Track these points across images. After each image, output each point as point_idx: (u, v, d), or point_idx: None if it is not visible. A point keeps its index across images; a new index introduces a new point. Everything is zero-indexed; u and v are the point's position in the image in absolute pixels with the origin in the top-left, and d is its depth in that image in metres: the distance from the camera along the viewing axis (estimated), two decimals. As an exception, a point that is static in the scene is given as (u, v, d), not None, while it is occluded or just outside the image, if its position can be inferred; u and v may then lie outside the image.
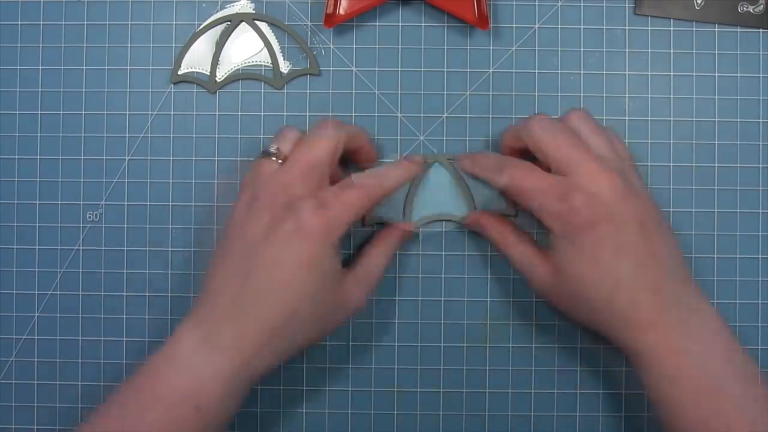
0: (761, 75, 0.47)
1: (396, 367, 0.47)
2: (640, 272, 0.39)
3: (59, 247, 0.47)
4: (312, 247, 0.39)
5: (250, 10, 0.47)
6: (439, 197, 0.46)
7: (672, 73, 0.47)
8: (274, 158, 0.42)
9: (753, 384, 0.39)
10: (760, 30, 0.47)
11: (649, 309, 0.39)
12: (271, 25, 0.47)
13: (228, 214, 0.42)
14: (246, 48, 0.47)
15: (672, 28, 0.47)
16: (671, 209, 0.47)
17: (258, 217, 0.40)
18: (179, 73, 0.47)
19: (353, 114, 0.47)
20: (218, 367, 0.38)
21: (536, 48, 0.47)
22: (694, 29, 0.47)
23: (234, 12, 0.47)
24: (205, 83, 0.47)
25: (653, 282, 0.39)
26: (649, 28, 0.47)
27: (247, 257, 0.39)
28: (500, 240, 0.44)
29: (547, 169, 0.41)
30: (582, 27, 0.47)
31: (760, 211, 0.47)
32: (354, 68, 0.47)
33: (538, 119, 0.42)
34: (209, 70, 0.47)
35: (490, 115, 0.47)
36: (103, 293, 0.47)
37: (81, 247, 0.47)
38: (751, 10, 0.47)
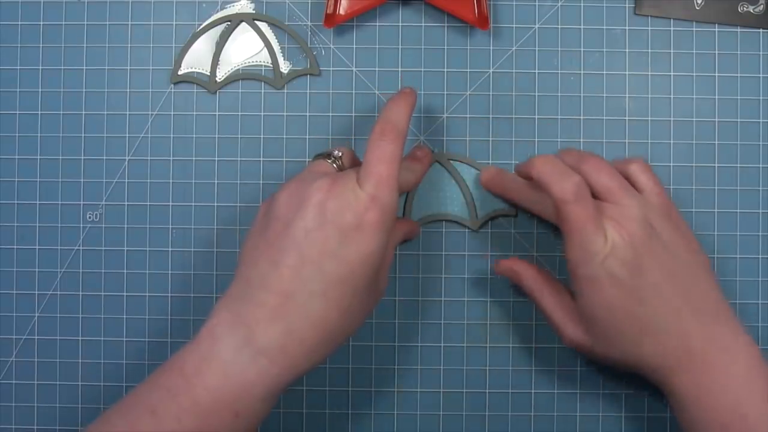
0: (761, 75, 0.47)
1: (396, 367, 0.47)
2: (664, 320, 0.39)
3: (59, 247, 0.47)
4: (371, 242, 0.37)
5: (250, 10, 0.47)
6: (439, 197, 0.47)
7: (672, 73, 0.47)
8: (330, 161, 0.40)
9: None
10: (760, 30, 0.47)
11: (677, 353, 0.39)
12: (271, 25, 0.47)
13: (268, 202, 0.40)
14: (246, 48, 0.47)
15: (672, 28, 0.47)
16: (671, 209, 0.47)
17: (309, 208, 0.37)
18: (179, 73, 0.47)
19: (353, 114, 0.47)
20: (262, 372, 0.36)
21: (536, 48, 0.47)
22: (694, 29, 0.47)
23: (234, 12, 0.47)
24: (205, 83, 0.47)
25: (679, 327, 0.39)
26: (649, 28, 0.47)
27: (298, 250, 0.37)
28: (535, 290, 0.43)
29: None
30: (582, 27, 0.47)
31: (760, 211, 0.47)
32: (354, 68, 0.47)
33: (546, 160, 0.40)
34: (209, 70, 0.47)
35: (490, 115, 0.47)
36: (103, 293, 0.47)
37: (81, 247, 0.47)
38: (751, 10, 0.47)
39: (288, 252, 0.37)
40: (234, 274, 0.39)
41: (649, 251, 0.39)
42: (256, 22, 0.47)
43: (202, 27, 0.47)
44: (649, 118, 0.47)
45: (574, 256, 0.39)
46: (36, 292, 0.47)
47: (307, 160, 0.47)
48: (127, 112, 0.47)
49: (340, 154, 0.41)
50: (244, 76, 0.47)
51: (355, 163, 0.42)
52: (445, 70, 0.47)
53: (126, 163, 0.47)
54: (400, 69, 0.47)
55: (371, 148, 0.38)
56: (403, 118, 0.40)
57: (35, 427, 0.47)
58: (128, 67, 0.47)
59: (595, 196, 0.40)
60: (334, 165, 0.40)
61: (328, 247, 0.37)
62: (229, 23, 0.47)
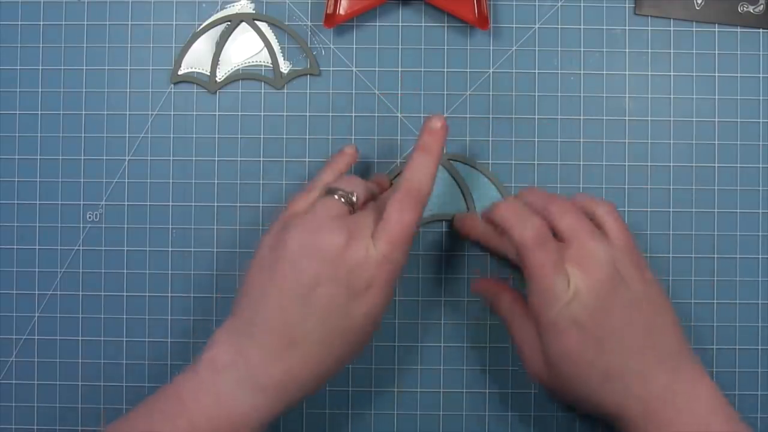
0: (761, 75, 0.47)
1: (396, 367, 0.47)
2: (626, 366, 0.38)
3: (59, 247, 0.47)
4: (377, 300, 0.38)
5: (250, 10, 0.47)
6: (439, 197, 0.47)
7: (672, 73, 0.47)
8: (344, 200, 0.40)
9: None
10: (760, 30, 0.47)
11: (639, 399, 0.38)
12: (271, 25, 0.47)
13: (279, 231, 0.39)
14: (246, 48, 0.47)
15: (672, 28, 0.47)
16: (671, 209, 0.47)
17: (322, 259, 0.38)
18: (179, 73, 0.47)
19: (353, 114, 0.47)
20: (259, 406, 0.37)
21: (536, 48, 0.47)
22: (694, 29, 0.47)
23: (234, 12, 0.47)
24: (205, 83, 0.47)
25: (641, 372, 0.39)
26: (649, 28, 0.47)
27: (307, 302, 0.37)
28: (507, 318, 0.43)
29: None
30: (582, 27, 0.47)
31: (760, 211, 0.47)
32: (354, 68, 0.47)
33: (507, 205, 0.40)
34: (209, 70, 0.47)
35: (490, 115, 0.47)
36: (103, 293, 0.47)
37: (81, 247, 0.47)
38: (751, 10, 0.47)
39: (296, 301, 0.37)
40: (235, 301, 0.39)
41: (612, 295, 0.38)
42: (256, 22, 0.47)
43: (202, 27, 0.47)
44: (649, 118, 0.47)
45: (536, 301, 0.39)
46: (36, 292, 0.47)
47: (307, 160, 0.47)
48: (127, 112, 0.47)
49: (353, 192, 0.40)
50: (244, 76, 0.47)
51: (369, 197, 0.41)
52: (445, 70, 0.47)
53: (126, 163, 0.47)
54: (400, 69, 0.47)
55: (394, 207, 0.39)
56: (428, 180, 0.40)
57: (35, 427, 0.47)
58: (128, 67, 0.47)
59: (560, 238, 0.40)
60: (347, 205, 0.40)
61: (336, 302, 0.38)
62: (229, 23, 0.47)
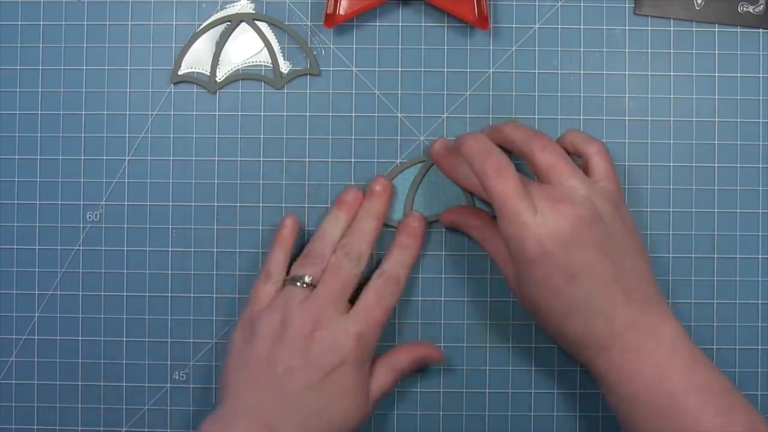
0: (761, 75, 0.47)
1: (396, 367, 0.47)
2: (593, 300, 0.39)
3: (59, 247, 0.47)
4: (351, 374, 0.41)
5: (250, 10, 0.47)
6: (439, 197, 0.47)
7: (672, 73, 0.47)
8: (305, 287, 0.43)
9: (716, 396, 0.38)
10: (760, 30, 0.47)
11: (601, 335, 0.39)
12: (271, 25, 0.47)
13: (248, 330, 0.42)
14: (246, 48, 0.47)
15: (672, 28, 0.47)
16: (671, 209, 0.47)
17: (293, 348, 0.41)
18: (179, 73, 0.47)
19: (353, 114, 0.47)
20: None
21: (536, 48, 0.47)
22: (694, 29, 0.47)
23: (234, 12, 0.47)
24: (205, 83, 0.47)
25: (606, 309, 0.39)
26: (649, 28, 0.47)
27: (281, 383, 0.40)
28: (479, 236, 0.44)
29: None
30: (582, 27, 0.47)
31: (760, 211, 0.47)
32: (354, 68, 0.47)
33: (514, 125, 0.42)
34: (209, 70, 0.47)
35: (490, 115, 0.47)
36: (103, 293, 0.47)
37: (81, 247, 0.47)
38: (751, 10, 0.47)
39: (271, 387, 0.41)
40: (219, 393, 0.43)
41: (586, 230, 0.38)
42: (256, 22, 0.47)
43: (202, 27, 0.47)
44: (649, 118, 0.47)
45: (505, 232, 0.39)
46: (36, 292, 0.47)
47: (307, 160, 0.47)
48: (127, 112, 0.47)
49: (310, 280, 0.43)
50: (244, 76, 0.47)
51: (325, 264, 0.43)
52: (445, 70, 0.47)
53: (126, 163, 0.47)
54: (400, 69, 0.47)
55: (371, 291, 0.43)
56: (406, 268, 0.44)
57: (35, 427, 0.47)
58: (128, 67, 0.47)
59: (538, 175, 0.40)
60: (310, 288, 0.43)
61: (310, 383, 0.41)
62: (229, 23, 0.47)
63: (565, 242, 0.38)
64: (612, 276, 0.39)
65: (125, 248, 0.47)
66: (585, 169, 0.42)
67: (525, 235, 0.38)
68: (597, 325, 0.39)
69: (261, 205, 0.47)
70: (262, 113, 0.47)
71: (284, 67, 0.47)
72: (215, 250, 0.47)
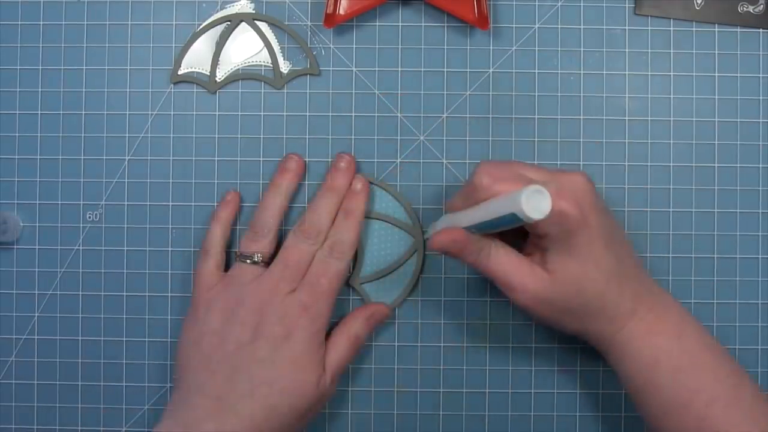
0: (761, 75, 0.47)
1: (396, 367, 0.47)
2: (625, 262, 0.40)
3: (59, 247, 0.47)
4: (300, 345, 0.42)
5: (250, 10, 0.47)
6: (386, 248, 0.46)
7: (672, 73, 0.47)
8: (255, 263, 0.44)
9: (725, 357, 0.40)
10: (760, 30, 0.47)
11: (632, 298, 0.40)
12: (271, 25, 0.47)
13: (200, 310, 0.43)
14: (246, 48, 0.47)
15: (672, 28, 0.47)
16: (671, 209, 0.47)
17: (244, 323, 0.42)
18: (179, 73, 0.47)
19: (353, 114, 0.47)
20: None
21: (536, 48, 0.47)
22: (694, 29, 0.47)
23: (234, 12, 0.47)
24: (205, 83, 0.47)
25: (633, 271, 0.41)
26: (649, 28, 0.47)
27: (232, 358, 0.41)
28: (475, 260, 0.39)
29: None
30: (582, 27, 0.47)
31: (760, 211, 0.47)
32: (354, 68, 0.47)
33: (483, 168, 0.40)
34: (209, 70, 0.47)
35: (490, 115, 0.47)
36: (103, 293, 0.47)
37: (81, 247, 0.47)
38: (751, 10, 0.47)
39: (222, 363, 0.41)
40: (174, 380, 0.43)
41: (597, 197, 0.39)
42: (256, 22, 0.47)
43: (202, 27, 0.47)
44: (649, 118, 0.47)
45: (537, 230, 0.38)
46: (36, 292, 0.47)
47: (307, 160, 0.47)
48: (127, 112, 0.47)
49: (260, 257, 0.44)
50: (244, 76, 0.47)
51: (275, 238, 0.45)
52: (445, 70, 0.47)
53: (126, 163, 0.47)
54: (400, 69, 0.47)
55: (316, 261, 0.43)
56: (352, 231, 0.44)
57: (35, 427, 0.47)
58: (128, 67, 0.47)
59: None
60: (261, 264, 0.44)
61: (259, 356, 0.41)
62: (229, 23, 0.47)
63: (594, 208, 0.38)
64: (624, 243, 0.41)
65: (125, 248, 0.47)
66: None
67: (564, 206, 0.37)
68: (628, 288, 0.40)
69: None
70: (262, 113, 0.47)
71: (284, 67, 0.47)
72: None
